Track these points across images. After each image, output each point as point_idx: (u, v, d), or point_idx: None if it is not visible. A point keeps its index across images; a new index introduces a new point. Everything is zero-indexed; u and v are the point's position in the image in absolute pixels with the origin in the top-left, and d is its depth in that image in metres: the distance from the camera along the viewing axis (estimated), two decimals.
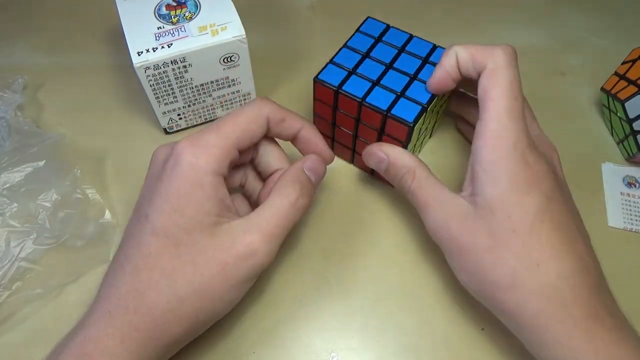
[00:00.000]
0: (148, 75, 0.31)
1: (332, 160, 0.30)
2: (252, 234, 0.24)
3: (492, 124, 0.25)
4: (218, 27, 0.32)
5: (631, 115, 0.33)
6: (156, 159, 0.26)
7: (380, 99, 0.29)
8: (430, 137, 0.36)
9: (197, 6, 0.33)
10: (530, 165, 0.25)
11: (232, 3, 0.33)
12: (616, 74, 0.36)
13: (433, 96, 0.29)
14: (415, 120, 0.28)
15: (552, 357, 0.23)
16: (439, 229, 0.27)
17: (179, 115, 0.35)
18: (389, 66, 0.30)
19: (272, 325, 0.29)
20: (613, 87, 0.35)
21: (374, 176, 0.34)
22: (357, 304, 0.29)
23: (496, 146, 0.25)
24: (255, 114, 0.26)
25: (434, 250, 0.31)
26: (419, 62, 0.30)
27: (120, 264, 0.24)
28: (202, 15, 0.32)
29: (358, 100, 0.29)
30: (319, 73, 0.30)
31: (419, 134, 0.31)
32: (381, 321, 0.29)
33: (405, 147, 0.30)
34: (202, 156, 0.24)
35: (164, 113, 0.34)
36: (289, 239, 0.31)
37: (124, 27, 0.32)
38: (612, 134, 0.36)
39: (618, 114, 0.34)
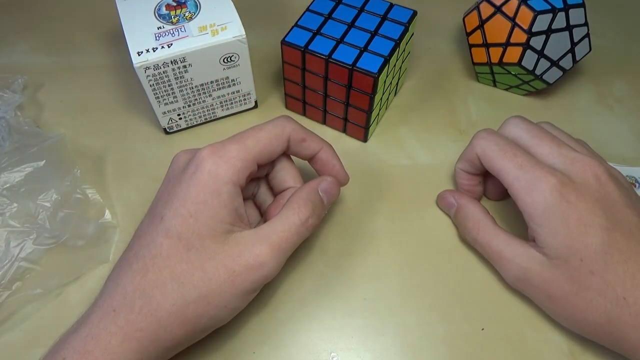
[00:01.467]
0: (148, 75, 0.31)
1: (347, 182, 0.30)
2: (261, 246, 0.24)
3: (514, 185, 0.27)
4: (218, 27, 0.32)
5: (530, 68, 0.35)
6: (177, 163, 0.27)
7: (345, 54, 0.31)
8: (395, 95, 0.38)
9: (197, 6, 0.33)
10: (573, 203, 0.25)
11: (232, 3, 0.33)
12: (474, 45, 0.37)
13: (394, 48, 0.31)
14: (379, 71, 0.30)
15: None
16: (521, 282, 0.28)
17: (179, 115, 0.35)
18: (351, 25, 0.33)
19: (272, 325, 0.29)
20: (489, 56, 0.36)
21: (345, 133, 0.36)
22: (357, 304, 0.29)
23: (533, 200, 0.26)
24: (277, 132, 0.27)
25: (434, 250, 0.31)
26: (378, 19, 0.33)
27: (129, 262, 0.24)
28: (202, 15, 0.32)
29: (324, 57, 0.31)
30: (285, 36, 0.32)
31: (384, 88, 0.33)
32: (381, 321, 0.29)
33: (372, 99, 0.32)
34: (223, 166, 0.25)
35: (164, 113, 0.34)
36: None
37: (124, 27, 0.32)
38: (496, 86, 0.39)
39: (513, 73, 0.36)
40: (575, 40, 0.34)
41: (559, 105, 0.38)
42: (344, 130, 0.36)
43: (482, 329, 0.28)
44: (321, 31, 0.32)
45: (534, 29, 0.33)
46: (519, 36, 0.33)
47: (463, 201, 0.31)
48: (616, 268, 0.25)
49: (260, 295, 0.29)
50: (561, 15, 0.33)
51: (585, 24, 0.34)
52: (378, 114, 0.35)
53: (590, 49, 0.35)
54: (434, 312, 0.29)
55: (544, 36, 0.33)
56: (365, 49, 0.31)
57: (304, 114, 0.37)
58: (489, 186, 0.33)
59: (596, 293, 0.25)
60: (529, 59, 0.34)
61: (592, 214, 0.25)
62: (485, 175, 0.32)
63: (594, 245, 0.25)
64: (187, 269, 0.24)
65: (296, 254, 0.31)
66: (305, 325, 0.29)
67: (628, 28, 0.43)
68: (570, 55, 0.35)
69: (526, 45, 0.33)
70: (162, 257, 0.24)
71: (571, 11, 0.33)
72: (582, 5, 0.33)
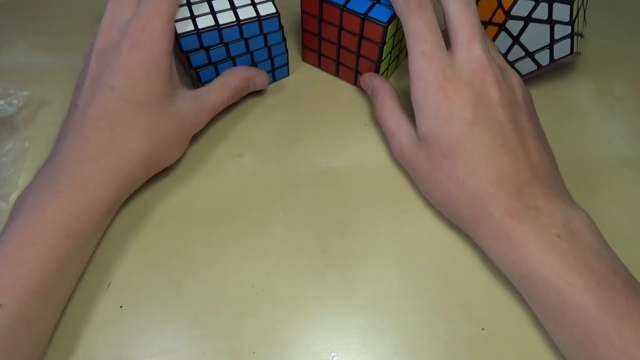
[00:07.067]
0: None
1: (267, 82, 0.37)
2: (202, 113, 0.33)
3: (411, 65, 0.30)
4: None
5: (502, 52, 0.35)
6: (107, 37, 0.30)
7: (359, 4, 0.33)
8: (398, 67, 0.41)
9: None
10: (449, 97, 0.29)
11: None
12: None
13: None
14: (389, 21, 0.32)
15: (487, 252, 0.29)
16: (399, 157, 0.33)
17: None
18: None
19: (272, 325, 0.29)
20: None
21: (355, 85, 0.39)
22: (357, 304, 0.29)
23: (418, 85, 0.30)
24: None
25: (434, 249, 0.31)
26: None
27: (89, 123, 0.28)
28: None
29: (339, 6, 0.34)
30: None
31: (394, 42, 0.35)
32: (381, 321, 0.29)
33: (381, 49, 0.34)
34: (159, 41, 0.29)
35: None
36: (288, 239, 0.31)
37: None
38: None
39: None
40: (556, 37, 0.34)
41: (559, 105, 0.38)
42: (355, 83, 0.39)
43: (482, 329, 0.28)
44: None
45: (512, 12, 0.33)
46: (499, 16, 0.34)
47: (377, 83, 0.35)
48: (463, 156, 0.28)
49: (260, 295, 0.29)
50: (543, 6, 0.32)
51: (570, 23, 0.33)
52: (387, 68, 0.37)
53: (571, 52, 0.34)
54: (434, 312, 0.29)
55: (522, 22, 0.33)
56: (377, 1, 0.33)
57: (319, 66, 0.40)
58: None
59: (444, 174, 0.29)
60: (502, 42, 0.34)
61: (462, 109, 0.28)
62: None
63: (451, 135, 0.29)
64: (150, 125, 0.29)
65: (296, 253, 0.31)
66: (305, 325, 0.29)
67: (628, 28, 0.43)
68: (547, 50, 0.34)
69: (502, 27, 0.33)
70: (126, 117, 0.29)
71: (555, 5, 0.32)
72: (569, 2, 0.32)
